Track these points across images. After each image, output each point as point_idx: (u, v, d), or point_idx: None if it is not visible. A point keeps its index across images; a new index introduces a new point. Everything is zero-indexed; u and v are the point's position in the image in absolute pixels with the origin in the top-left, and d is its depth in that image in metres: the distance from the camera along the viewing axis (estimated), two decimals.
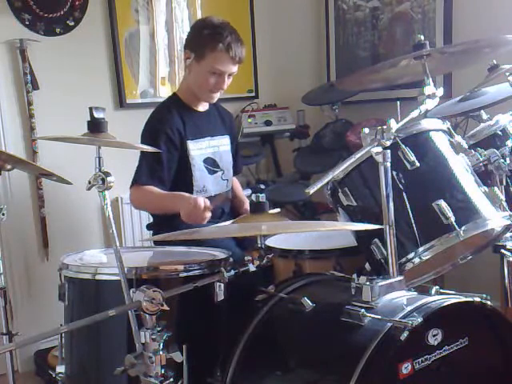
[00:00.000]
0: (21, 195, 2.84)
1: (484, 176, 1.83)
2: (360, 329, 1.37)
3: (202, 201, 1.96)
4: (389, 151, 1.54)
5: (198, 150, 2.29)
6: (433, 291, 1.52)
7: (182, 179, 2.25)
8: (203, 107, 2.37)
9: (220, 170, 2.37)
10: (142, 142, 2.17)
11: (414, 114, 1.65)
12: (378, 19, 3.33)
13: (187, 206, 1.97)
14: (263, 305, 1.62)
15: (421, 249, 1.62)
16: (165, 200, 2.15)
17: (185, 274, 1.60)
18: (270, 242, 1.98)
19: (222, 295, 1.58)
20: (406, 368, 1.32)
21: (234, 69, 2.22)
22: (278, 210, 2.08)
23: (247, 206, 2.40)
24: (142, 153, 2.21)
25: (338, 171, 1.58)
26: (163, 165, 2.18)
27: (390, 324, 1.32)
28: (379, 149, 1.53)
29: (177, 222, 2.04)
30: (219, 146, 2.38)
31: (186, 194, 2.07)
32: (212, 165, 2.33)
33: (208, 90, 2.24)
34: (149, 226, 2.43)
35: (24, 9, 2.75)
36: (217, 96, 2.30)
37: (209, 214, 1.96)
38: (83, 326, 1.41)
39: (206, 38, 2.17)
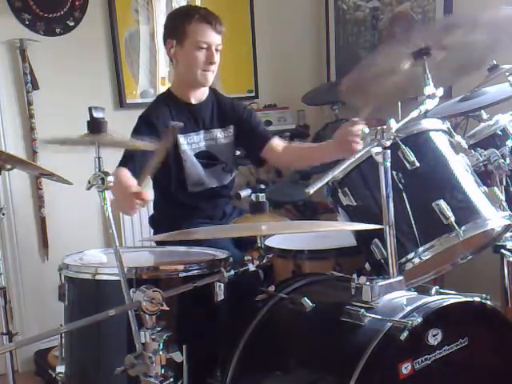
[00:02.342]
0: (21, 195, 2.84)
1: (484, 176, 1.83)
2: (360, 329, 1.37)
3: (131, 185, 1.69)
4: (389, 151, 1.54)
5: (189, 144, 2.25)
6: (433, 291, 1.52)
7: (175, 173, 2.23)
8: (197, 99, 2.29)
9: (220, 163, 2.31)
10: (131, 136, 2.12)
11: (414, 114, 1.65)
12: (378, 19, 3.33)
13: (115, 190, 1.52)
14: (263, 305, 1.61)
15: (421, 249, 1.62)
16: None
17: (185, 274, 1.60)
18: (269, 242, 1.98)
19: (221, 295, 1.58)
20: (405, 368, 1.32)
21: (218, 39, 2.17)
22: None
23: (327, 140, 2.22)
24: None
25: (338, 171, 1.58)
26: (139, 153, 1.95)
27: (390, 324, 1.32)
28: (379, 149, 1.53)
29: (177, 220, 2.04)
30: (216, 138, 2.32)
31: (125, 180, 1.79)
32: (208, 158, 2.29)
33: (200, 68, 2.17)
34: (150, 220, 2.41)
35: (24, 9, 2.75)
36: (211, 76, 2.22)
37: (138, 202, 1.62)
38: (83, 326, 1.41)
39: (181, 18, 2.17)
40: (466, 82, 2.35)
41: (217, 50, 2.19)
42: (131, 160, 1.99)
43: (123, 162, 2.02)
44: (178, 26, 2.17)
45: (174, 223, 2.05)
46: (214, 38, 2.16)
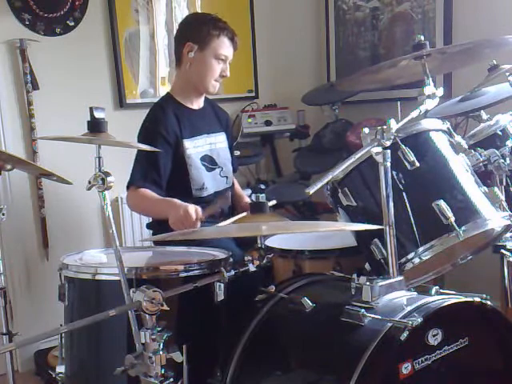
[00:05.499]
0: (21, 195, 2.84)
1: (484, 176, 1.83)
2: (360, 329, 1.37)
3: (194, 210, 1.91)
4: (389, 151, 1.54)
5: (195, 147, 2.28)
6: (433, 291, 1.52)
7: (180, 178, 2.24)
8: (197, 105, 2.37)
9: (218, 167, 2.36)
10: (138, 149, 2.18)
11: (414, 114, 1.65)
12: (378, 19, 3.33)
13: (176, 214, 1.93)
14: (263, 305, 1.62)
15: (421, 249, 1.62)
16: (157, 206, 2.13)
17: (185, 274, 1.60)
18: (269, 242, 1.98)
19: (222, 295, 1.58)
20: (406, 368, 1.32)
21: (232, 55, 2.29)
22: (274, 201, 2.11)
23: (246, 199, 2.45)
24: (137, 154, 2.21)
25: (338, 171, 1.58)
26: (158, 167, 2.17)
27: (389, 324, 1.32)
28: (379, 149, 1.53)
29: None
30: (216, 142, 2.38)
31: (177, 202, 2.01)
32: (210, 162, 2.33)
33: (214, 78, 2.26)
34: (149, 225, 2.43)
35: (24, 9, 2.75)
36: (218, 86, 2.31)
37: (198, 224, 1.90)
38: (83, 326, 1.41)
39: (211, 28, 2.23)
40: (466, 81, 2.36)
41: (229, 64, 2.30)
42: (150, 180, 2.15)
43: (143, 182, 2.14)
44: (205, 33, 2.22)
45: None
46: (231, 54, 2.28)
